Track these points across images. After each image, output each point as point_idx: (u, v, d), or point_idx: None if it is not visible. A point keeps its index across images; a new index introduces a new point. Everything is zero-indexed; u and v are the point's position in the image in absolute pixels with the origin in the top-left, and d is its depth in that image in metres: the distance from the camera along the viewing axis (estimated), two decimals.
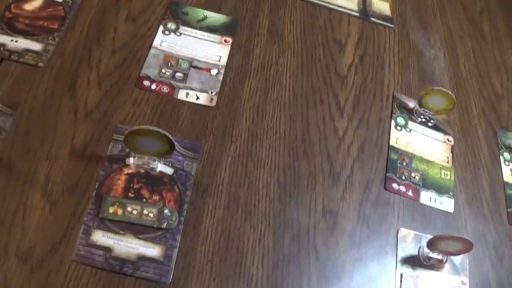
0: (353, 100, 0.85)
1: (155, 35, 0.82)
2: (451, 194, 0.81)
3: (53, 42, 0.77)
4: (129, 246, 0.62)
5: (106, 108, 0.72)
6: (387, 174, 0.79)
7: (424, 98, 0.85)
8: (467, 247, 0.71)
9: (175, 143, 0.66)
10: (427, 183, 0.80)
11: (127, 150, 0.68)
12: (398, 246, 0.72)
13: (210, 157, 0.71)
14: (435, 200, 0.79)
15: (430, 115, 0.87)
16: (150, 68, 0.79)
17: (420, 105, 0.86)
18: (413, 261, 0.72)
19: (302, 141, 0.77)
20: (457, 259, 0.74)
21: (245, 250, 0.65)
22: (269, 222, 0.68)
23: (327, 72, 0.87)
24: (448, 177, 0.83)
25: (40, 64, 0.75)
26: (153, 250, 0.62)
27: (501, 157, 0.91)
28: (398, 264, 0.71)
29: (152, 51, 0.81)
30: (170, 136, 0.63)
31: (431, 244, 0.71)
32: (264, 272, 0.64)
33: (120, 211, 0.64)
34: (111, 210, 0.64)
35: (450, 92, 0.83)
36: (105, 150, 0.68)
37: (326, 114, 0.81)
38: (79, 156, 0.67)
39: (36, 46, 0.76)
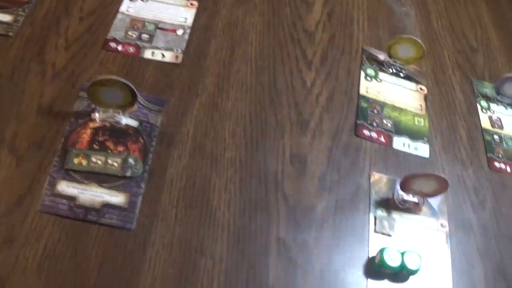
0: (321, 54, 0.84)
1: (122, 2, 0.83)
2: (426, 139, 0.80)
3: (23, 13, 0.78)
4: (93, 194, 0.62)
5: (73, 69, 0.73)
6: (358, 121, 0.78)
7: (393, 48, 0.85)
8: (442, 186, 0.70)
9: (139, 96, 0.66)
10: (400, 129, 0.80)
11: (93, 106, 0.68)
12: (371, 190, 0.72)
13: (176, 110, 0.71)
14: (408, 146, 0.78)
15: (400, 66, 0.87)
16: (116, 31, 0.79)
17: (390, 56, 0.86)
18: (388, 205, 0.71)
19: (269, 93, 0.77)
20: (435, 202, 0.73)
21: (211, 196, 0.65)
22: (235, 168, 0.68)
23: (294, 29, 0.87)
24: (422, 124, 0.82)
25: (10, 34, 0.75)
26: (117, 198, 0.62)
27: (478, 104, 0.90)
28: (372, 208, 0.70)
29: (119, 16, 0.81)
30: (131, 85, 0.63)
31: (404, 185, 0.70)
32: (230, 217, 0.63)
33: (84, 162, 0.64)
34: (75, 161, 0.64)
35: (419, 40, 0.83)
36: (72, 107, 0.69)
37: (294, 68, 0.81)
38: (46, 114, 0.68)
39: (6, 18, 0.77)
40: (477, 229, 0.74)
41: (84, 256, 0.57)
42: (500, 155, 0.85)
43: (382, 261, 0.63)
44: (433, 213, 0.73)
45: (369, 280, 0.64)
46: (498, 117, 0.90)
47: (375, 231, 0.68)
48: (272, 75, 0.79)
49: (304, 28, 0.87)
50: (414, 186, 0.70)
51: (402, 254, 0.65)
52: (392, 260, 0.64)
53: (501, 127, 0.89)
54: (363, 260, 0.65)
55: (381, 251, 0.64)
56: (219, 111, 0.72)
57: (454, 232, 0.72)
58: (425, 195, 0.72)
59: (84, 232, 0.59)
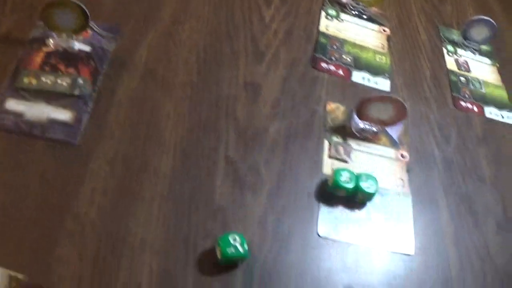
0: None
1: None
2: (387, 75, 0.79)
3: None
4: (40, 111, 0.61)
5: (32, 2, 0.73)
6: (316, 54, 0.77)
7: None
8: (400, 112, 0.68)
9: (93, 24, 0.67)
10: (360, 64, 0.78)
11: (48, 32, 0.68)
12: (327, 118, 0.70)
13: (130, 37, 0.70)
14: (368, 80, 0.77)
15: (363, 8, 0.86)
16: None
17: None
18: (344, 132, 0.70)
19: (226, 26, 0.75)
20: (395, 133, 0.72)
21: (159, 117, 0.63)
22: (186, 93, 0.66)
23: None
24: (384, 61, 0.80)
25: None
26: (63, 115, 0.61)
27: (444, 48, 0.89)
28: (327, 134, 0.68)
29: None
30: (83, 6, 0.64)
31: (360, 109, 0.68)
32: (178, 137, 0.61)
33: (34, 81, 0.63)
34: (25, 80, 0.63)
35: None
36: (28, 35, 0.69)
37: (252, 4, 0.80)
38: (2, 42, 0.67)
39: None
40: (441, 163, 0.72)
41: (26, 168, 0.56)
42: (466, 95, 0.83)
43: (336, 181, 0.61)
44: (393, 143, 0.71)
45: (321, 205, 0.61)
46: (465, 61, 0.89)
47: (329, 156, 0.66)
48: (230, 10, 0.78)
49: None
50: (371, 111, 0.68)
51: (358, 176, 0.63)
52: (347, 183, 0.62)
53: (468, 70, 0.88)
54: (315, 185, 0.63)
55: (336, 172, 0.62)
56: (173, 40, 0.71)
57: (415, 164, 0.70)
58: (383, 123, 0.70)
59: (29, 146, 0.58)
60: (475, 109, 0.82)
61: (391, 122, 0.70)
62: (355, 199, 0.63)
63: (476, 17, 0.89)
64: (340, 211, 0.62)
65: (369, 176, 0.63)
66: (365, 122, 0.69)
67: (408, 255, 0.61)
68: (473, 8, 0.98)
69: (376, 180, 0.63)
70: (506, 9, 1.08)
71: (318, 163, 0.65)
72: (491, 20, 0.88)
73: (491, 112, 0.83)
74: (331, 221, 0.61)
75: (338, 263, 0.57)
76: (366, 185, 0.62)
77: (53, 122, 0.60)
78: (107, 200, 0.55)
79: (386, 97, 0.68)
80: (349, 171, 0.63)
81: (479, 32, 0.90)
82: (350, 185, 0.62)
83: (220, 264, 0.53)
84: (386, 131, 0.71)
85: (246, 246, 0.53)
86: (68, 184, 0.55)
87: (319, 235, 0.58)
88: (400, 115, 0.69)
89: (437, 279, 0.59)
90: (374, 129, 0.70)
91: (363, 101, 0.67)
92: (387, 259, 0.60)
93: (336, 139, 0.68)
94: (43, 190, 0.54)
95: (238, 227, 0.56)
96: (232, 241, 0.53)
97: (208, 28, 0.75)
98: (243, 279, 0.53)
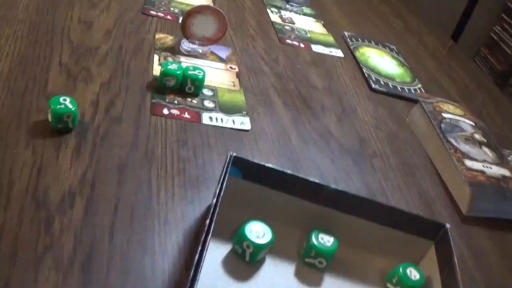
0: None
1: None
2: None
3: None
4: None
5: None
6: (145, 6, 0.87)
7: None
8: (222, 23, 0.76)
9: None
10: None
11: None
12: (157, 42, 0.78)
13: None
14: None
15: None
16: None
17: None
18: (174, 51, 0.77)
19: None
20: (223, 53, 0.81)
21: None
22: (25, 24, 0.72)
23: None
24: None
25: None
26: None
27: (268, 10, 1.02)
28: (157, 51, 0.75)
29: None
30: None
31: (185, 27, 0.75)
32: (16, 48, 0.67)
33: None
34: None
35: None
36: None
37: None
38: None
39: None
40: (271, 75, 0.81)
41: None
42: (292, 37, 0.95)
43: (165, 70, 0.67)
44: (222, 60, 0.79)
45: (154, 94, 0.67)
46: (289, 17, 1.02)
47: (159, 64, 0.73)
48: None
49: None
50: (195, 28, 0.76)
51: (186, 68, 0.69)
52: (175, 70, 0.68)
53: (293, 23, 1.01)
54: (147, 82, 0.69)
55: (164, 63, 0.68)
56: None
57: (245, 74, 0.79)
58: (208, 40, 0.78)
59: None
60: (302, 45, 0.93)
61: (216, 38, 0.78)
62: (185, 89, 0.69)
63: None
64: (173, 99, 0.67)
65: (196, 67, 0.70)
66: (193, 42, 0.78)
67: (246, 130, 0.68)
68: None
69: (204, 71, 0.70)
70: None
71: (149, 69, 0.72)
72: None
73: (317, 48, 0.94)
74: (164, 106, 0.66)
75: (171, 137, 0.62)
76: (194, 72, 0.69)
77: None
78: None
79: (205, 6, 0.76)
80: (177, 63, 0.69)
81: None
82: (179, 71, 0.68)
83: (54, 129, 0.57)
84: (214, 51, 0.80)
85: (75, 105, 0.57)
86: None
87: (152, 114, 0.64)
88: (222, 28, 0.77)
89: (274, 154, 0.66)
90: (200, 50, 0.78)
91: (186, 15, 0.75)
92: (226, 134, 0.66)
93: (165, 53, 0.76)
94: None
95: None
96: (62, 101, 0.58)
97: None
98: (76, 142, 0.57)
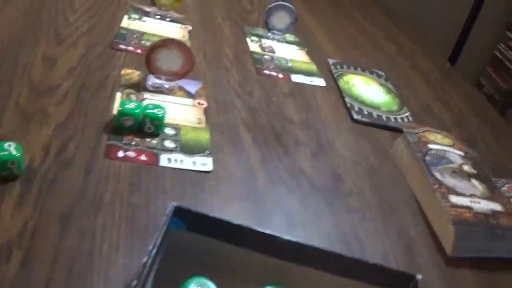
0: (89, 6, 0.93)
1: None
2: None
3: None
4: None
5: None
6: (114, 40, 0.84)
7: None
8: (188, 57, 0.73)
9: None
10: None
11: None
12: (122, 78, 0.75)
13: None
14: None
15: (166, 12, 0.95)
16: None
17: (154, 4, 0.94)
18: (138, 88, 0.74)
19: (33, 26, 0.82)
20: (192, 88, 0.77)
21: None
22: None
23: None
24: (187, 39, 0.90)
25: None
26: None
27: (247, 38, 0.99)
28: (120, 89, 0.72)
29: None
30: None
31: (150, 62, 0.72)
32: None
33: None
34: None
35: None
36: None
37: (59, 12, 0.88)
38: None
39: None
40: (243, 109, 0.77)
41: None
42: (271, 67, 0.91)
43: (122, 109, 0.64)
44: (190, 95, 0.76)
45: (111, 136, 0.64)
46: (270, 45, 0.99)
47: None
48: (38, 14, 0.86)
49: None
50: (161, 63, 0.73)
51: (145, 106, 0.66)
52: (133, 109, 0.64)
53: (273, 52, 0.97)
54: (105, 122, 0.66)
55: (122, 102, 0.65)
56: None
57: (214, 109, 0.75)
58: (175, 75, 0.74)
59: None
60: (280, 76, 0.90)
61: (183, 72, 0.75)
62: (145, 128, 0.65)
63: (274, 3, 0.99)
64: (131, 140, 0.64)
65: (156, 105, 0.67)
66: (159, 77, 0.74)
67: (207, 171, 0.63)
68: None
69: (164, 108, 0.66)
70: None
71: (110, 108, 0.69)
72: (288, 4, 0.98)
73: (298, 78, 0.91)
74: (119, 148, 0.63)
75: (123, 182, 0.58)
76: (153, 111, 0.65)
77: None
78: None
79: (169, 39, 0.73)
80: (135, 102, 0.66)
81: (280, 19, 0.99)
82: (137, 110, 0.64)
83: None
84: (182, 86, 0.76)
85: (20, 151, 0.55)
86: None
87: (106, 158, 0.60)
88: (188, 61, 0.74)
89: (237, 198, 0.61)
90: (167, 86, 0.75)
91: (149, 50, 0.72)
92: (185, 177, 0.62)
93: (129, 90, 0.73)
94: None
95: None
96: (6, 147, 0.55)
97: (17, 25, 0.81)
98: (20, 190, 0.53)
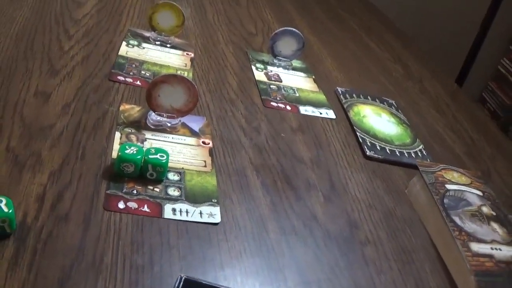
0: (84, 31, 0.88)
1: None
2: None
3: None
4: None
5: None
6: (113, 70, 0.79)
7: (154, 18, 0.88)
8: (192, 94, 0.68)
9: None
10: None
11: None
12: (121, 115, 0.70)
13: None
14: None
15: (166, 38, 0.90)
16: None
17: (153, 29, 0.89)
18: (139, 126, 0.69)
19: (24, 53, 0.78)
20: (195, 125, 0.72)
21: None
22: None
23: (61, 16, 0.91)
24: (186, 75, 0.84)
25: None
26: None
27: (253, 66, 0.93)
28: (119, 127, 0.67)
29: None
30: None
31: (150, 99, 0.68)
32: None
33: None
34: None
35: (175, 4, 0.87)
36: None
37: (54, 38, 0.83)
38: None
39: None
40: (250, 148, 0.72)
41: None
42: (278, 98, 0.86)
43: (122, 155, 0.59)
44: (194, 134, 0.71)
45: (111, 183, 0.59)
46: (276, 73, 0.94)
47: (120, 144, 0.64)
48: (31, 41, 0.81)
49: (71, 16, 0.92)
50: (162, 99, 0.68)
51: (147, 150, 0.61)
52: (134, 155, 0.59)
53: (280, 81, 0.92)
54: (103, 167, 0.61)
55: (121, 146, 0.60)
56: None
57: (219, 149, 0.70)
58: (178, 112, 0.70)
59: None
60: (288, 108, 0.85)
61: (186, 109, 0.70)
62: (147, 175, 0.60)
63: (281, 28, 0.93)
64: (132, 189, 0.59)
65: (159, 150, 0.62)
66: (161, 115, 0.69)
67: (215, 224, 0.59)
68: None
69: (168, 153, 0.61)
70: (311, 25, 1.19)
71: (109, 150, 0.64)
72: (295, 30, 0.93)
73: (306, 110, 0.86)
74: (120, 198, 0.58)
75: (125, 239, 0.53)
76: (156, 156, 0.60)
77: None
78: None
79: (171, 75, 0.68)
80: (137, 146, 0.61)
81: (287, 45, 0.94)
82: (138, 156, 0.59)
83: None
84: (185, 123, 0.72)
85: (12, 207, 0.50)
86: None
87: (105, 210, 0.55)
88: (192, 98, 0.69)
89: (247, 254, 0.57)
90: (169, 124, 0.70)
91: (150, 86, 0.67)
92: (191, 231, 0.57)
93: (128, 130, 0.68)
94: None
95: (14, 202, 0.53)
96: None
97: (7, 53, 0.77)
98: (14, 250, 0.48)
